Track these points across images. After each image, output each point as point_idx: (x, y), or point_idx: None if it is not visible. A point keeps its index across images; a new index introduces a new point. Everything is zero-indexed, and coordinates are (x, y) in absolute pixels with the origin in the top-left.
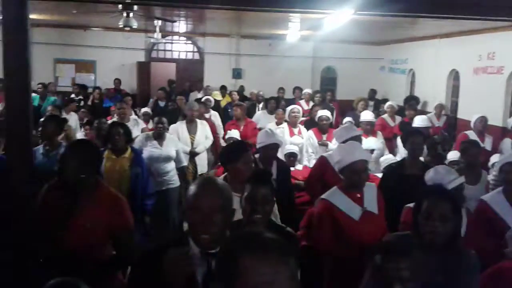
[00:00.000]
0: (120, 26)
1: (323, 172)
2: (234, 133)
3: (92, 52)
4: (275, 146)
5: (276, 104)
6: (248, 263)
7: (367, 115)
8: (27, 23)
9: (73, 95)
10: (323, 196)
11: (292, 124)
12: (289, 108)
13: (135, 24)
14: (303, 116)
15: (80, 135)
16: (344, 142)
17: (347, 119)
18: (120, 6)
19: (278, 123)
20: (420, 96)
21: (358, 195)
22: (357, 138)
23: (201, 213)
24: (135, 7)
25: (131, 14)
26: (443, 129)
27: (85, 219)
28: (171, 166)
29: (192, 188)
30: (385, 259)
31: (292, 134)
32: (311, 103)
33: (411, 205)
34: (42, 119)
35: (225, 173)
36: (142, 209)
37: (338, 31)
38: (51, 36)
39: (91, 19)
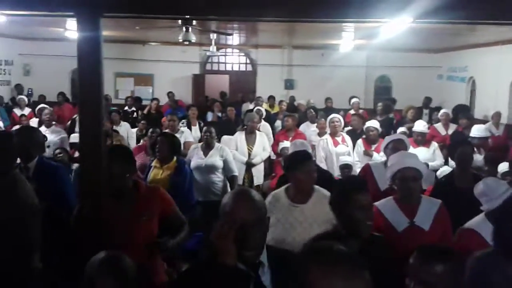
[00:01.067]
0: (180, 40)
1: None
2: (287, 144)
3: (150, 66)
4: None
5: (316, 114)
6: (319, 275)
7: (419, 125)
8: (100, 39)
9: (126, 107)
10: (375, 203)
11: (333, 134)
12: (329, 118)
13: (193, 38)
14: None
15: (133, 144)
16: (385, 148)
17: (401, 129)
18: (180, 21)
19: (320, 134)
20: (481, 104)
21: (412, 208)
22: (399, 142)
23: (240, 228)
24: (194, 22)
25: (190, 29)
26: (503, 138)
27: (135, 215)
28: (217, 176)
29: (227, 201)
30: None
31: (336, 143)
32: (361, 113)
33: (470, 226)
34: None
35: (284, 183)
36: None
37: (393, 39)
38: (112, 51)
39: (150, 34)
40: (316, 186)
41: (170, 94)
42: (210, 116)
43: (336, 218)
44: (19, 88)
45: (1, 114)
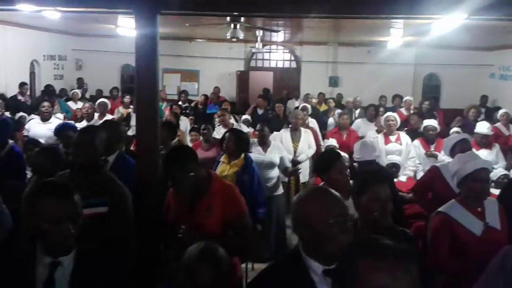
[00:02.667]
0: (228, 37)
1: (433, 182)
2: (332, 142)
3: (196, 62)
4: (374, 163)
5: (375, 112)
6: (366, 267)
7: (482, 127)
8: (157, 36)
9: (180, 102)
10: (440, 209)
11: (388, 132)
12: (384, 116)
13: (241, 35)
14: (404, 125)
15: (187, 140)
16: (451, 150)
17: (454, 129)
18: (228, 18)
19: (378, 131)
20: None
21: (479, 209)
22: (465, 143)
23: (332, 226)
24: (242, 19)
25: (237, 26)
26: None
27: (204, 210)
28: (275, 172)
29: (301, 199)
30: None
31: (388, 141)
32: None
33: None
34: None
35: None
36: (253, 217)
37: (444, 37)
38: (160, 47)
39: (197, 31)
40: None
41: (215, 89)
42: (249, 111)
43: (355, 210)
44: (79, 82)
45: (62, 106)
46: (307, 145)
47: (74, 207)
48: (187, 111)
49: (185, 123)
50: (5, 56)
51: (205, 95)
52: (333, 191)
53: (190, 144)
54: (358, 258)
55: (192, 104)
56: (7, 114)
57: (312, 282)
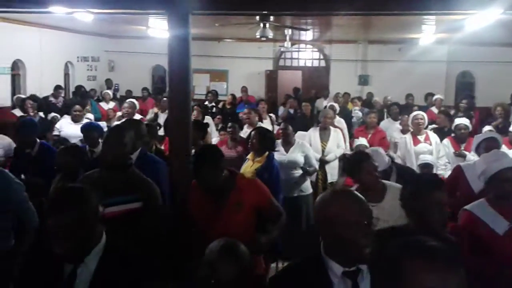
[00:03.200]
0: (257, 36)
1: (457, 182)
2: (362, 141)
3: (225, 62)
4: (386, 170)
5: (399, 110)
6: (414, 268)
7: None
8: (189, 36)
9: (206, 102)
10: (466, 207)
11: (416, 132)
12: (412, 115)
13: (270, 34)
14: (434, 124)
15: (215, 140)
16: (477, 147)
17: (486, 128)
18: (257, 17)
19: (403, 131)
20: None
21: (506, 209)
22: (492, 141)
23: (358, 226)
24: (271, 18)
25: (267, 25)
26: None
27: (233, 206)
28: (298, 172)
29: (325, 200)
30: None
31: (417, 142)
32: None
33: None
34: None
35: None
36: None
37: (478, 33)
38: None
39: (225, 31)
40: (388, 182)
41: (243, 88)
42: (281, 112)
43: (406, 214)
44: (108, 83)
45: (93, 107)
46: (336, 145)
47: (79, 214)
48: (213, 111)
49: (210, 124)
50: (41, 58)
51: (233, 95)
52: (357, 193)
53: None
54: (406, 258)
55: (220, 105)
56: (41, 114)
57: (330, 283)
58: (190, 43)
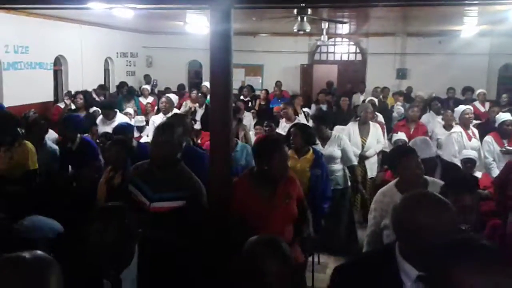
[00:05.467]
0: (294, 30)
1: (509, 178)
2: (401, 136)
3: (260, 57)
4: (433, 161)
5: (441, 105)
6: (470, 275)
7: None
8: (231, 30)
9: (242, 97)
10: None
11: (466, 127)
12: (460, 109)
13: (308, 28)
14: (477, 119)
15: (251, 134)
16: None
17: None
18: (295, 11)
19: (446, 126)
20: None
21: None
22: None
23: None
24: (309, 11)
25: (305, 18)
26: None
27: (284, 196)
28: (337, 166)
29: (411, 206)
30: None
31: (470, 138)
32: (487, 105)
33: None
34: None
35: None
36: (319, 212)
37: None
38: None
39: (261, 26)
40: (430, 178)
41: (278, 83)
42: (313, 108)
43: None
44: (147, 79)
45: (136, 103)
46: (376, 140)
47: (120, 230)
48: (249, 106)
49: (249, 119)
50: (81, 53)
51: (266, 90)
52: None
53: (253, 138)
54: (456, 262)
55: (256, 102)
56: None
57: (401, 284)
58: (232, 37)
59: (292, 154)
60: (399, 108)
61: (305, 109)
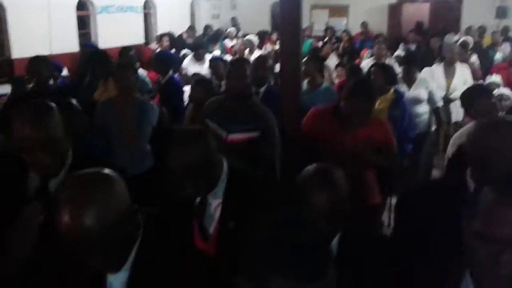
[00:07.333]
0: None
1: None
2: (495, 79)
3: None
4: None
5: None
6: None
7: None
8: None
9: (326, 39)
10: None
11: None
12: None
13: None
14: None
15: (334, 76)
16: None
17: None
18: None
19: None
20: None
21: None
22: None
23: None
24: None
25: None
26: None
27: (363, 140)
28: (422, 109)
29: (485, 130)
30: None
31: None
32: None
33: None
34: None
35: None
36: (401, 152)
37: None
38: None
39: None
40: None
41: (364, 23)
42: (401, 48)
43: None
44: (233, 21)
45: (221, 46)
46: (463, 81)
47: (204, 152)
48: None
49: (333, 61)
50: None
51: (348, 31)
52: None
53: (336, 81)
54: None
55: (340, 45)
56: (173, 51)
57: (469, 208)
58: None
59: None
60: (505, 49)
61: (398, 52)
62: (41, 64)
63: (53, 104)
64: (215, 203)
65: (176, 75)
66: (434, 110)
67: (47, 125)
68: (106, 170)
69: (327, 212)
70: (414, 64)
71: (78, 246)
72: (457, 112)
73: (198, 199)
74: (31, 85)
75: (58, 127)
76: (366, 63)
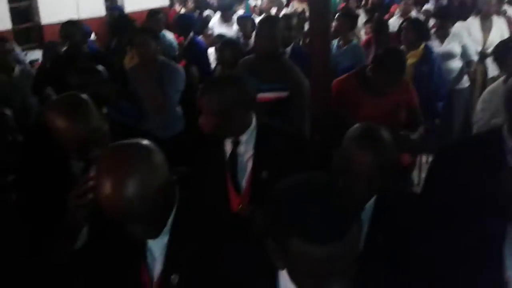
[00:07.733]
0: None
1: None
2: None
3: None
4: None
5: None
6: None
7: None
8: None
9: None
10: None
11: None
12: None
13: None
14: None
15: (362, 33)
16: None
17: None
18: None
19: None
20: None
21: None
22: None
23: None
24: None
25: None
26: None
27: (392, 105)
28: (455, 64)
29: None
30: None
31: None
32: None
33: None
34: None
35: None
36: (432, 111)
37: None
38: None
39: None
40: None
41: None
42: (431, 2)
43: None
44: None
45: (246, 5)
46: (500, 36)
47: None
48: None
49: (361, 17)
50: None
51: None
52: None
53: (364, 38)
54: None
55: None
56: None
57: (506, 162)
58: None
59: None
60: None
61: (427, 6)
62: (74, 28)
63: (85, 96)
64: (246, 156)
65: (200, 37)
66: (468, 63)
67: (90, 120)
68: (146, 141)
69: (374, 173)
70: (447, 18)
71: (118, 216)
72: (493, 67)
73: (229, 153)
74: (64, 49)
75: (98, 118)
76: (393, 20)
